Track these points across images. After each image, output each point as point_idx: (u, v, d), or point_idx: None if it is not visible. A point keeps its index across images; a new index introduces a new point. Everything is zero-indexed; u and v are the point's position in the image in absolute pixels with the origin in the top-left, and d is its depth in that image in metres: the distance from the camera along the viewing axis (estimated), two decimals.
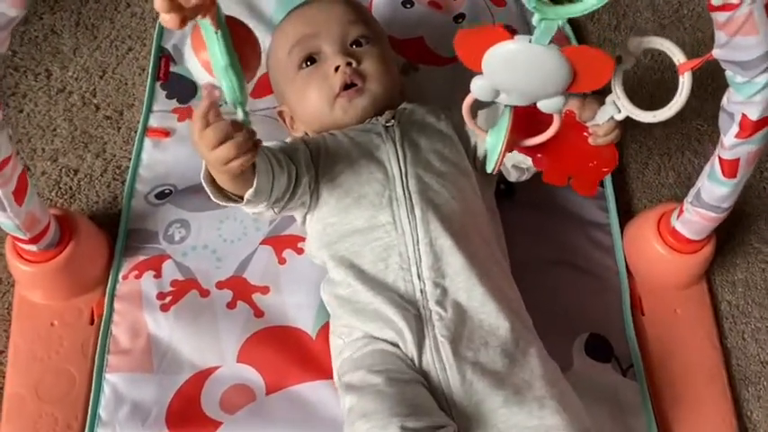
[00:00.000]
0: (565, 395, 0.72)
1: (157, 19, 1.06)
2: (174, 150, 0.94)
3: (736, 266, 0.94)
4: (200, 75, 0.61)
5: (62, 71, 1.02)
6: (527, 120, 0.71)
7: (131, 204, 0.91)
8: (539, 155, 0.75)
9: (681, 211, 0.82)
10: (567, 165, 0.74)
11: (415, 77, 1.03)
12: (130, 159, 0.94)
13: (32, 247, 0.77)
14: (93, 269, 0.85)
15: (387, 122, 0.82)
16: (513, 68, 0.61)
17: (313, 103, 0.83)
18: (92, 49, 1.04)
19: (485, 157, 0.81)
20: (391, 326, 0.71)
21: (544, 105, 0.66)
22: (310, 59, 0.83)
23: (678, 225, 0.83)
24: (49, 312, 0.83)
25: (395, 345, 0.72)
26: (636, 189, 1.00)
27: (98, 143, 0.97)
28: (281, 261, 0.87)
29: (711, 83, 1.09)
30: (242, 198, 0.69)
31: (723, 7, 0.57)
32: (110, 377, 0.79)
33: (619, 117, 0.67)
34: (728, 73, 0.64)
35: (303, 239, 0.86)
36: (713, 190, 0.75)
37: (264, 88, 0.96)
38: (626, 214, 0.97)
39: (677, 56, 0.63)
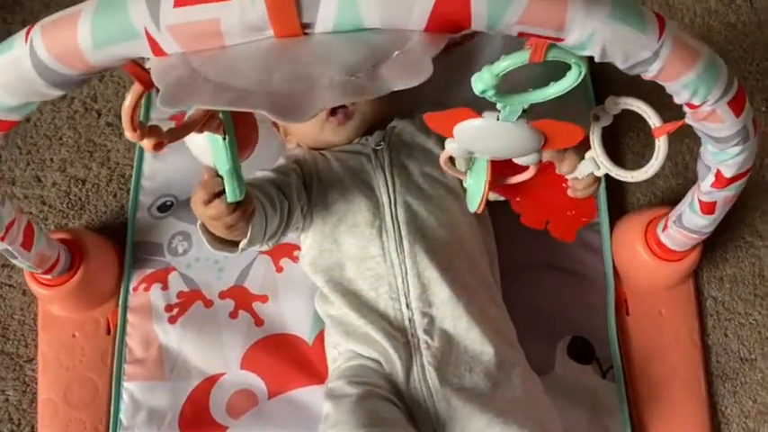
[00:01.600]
0: (543, 414, 0.77)
1: None
2: (173, 160, 0.98)
3: (725, 261, 0.96)
4: (200, 155, 0.63)
5: None
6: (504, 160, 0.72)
7: (136, 216, 0.96)
8: (517, 198, 0.77)
9: (665, 226, 0.83)
10: (544, 211, 0.76)
11: None
12: (133, 167, 0.99)
13: (47, 276, 0.84)
14: (105, 283, 0.92)
15: (376, 145, 0.83)
16: (483, 139, 0.63)
17: (301, 123, 0.84)
18: None
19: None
20: (380, 351, 0.77)
21: (520, 160, 0.68)
22: None
23: (663, 237, 0.85)
24: (70, 324, 0.91)
25: (379, 363, 0.77)
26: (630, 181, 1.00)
27: (102, 151, 1.01)
28: (279, 269, 0.93)
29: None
30: (237, 245, 0.73)
31: (687, 104, 0.56)
32: (127, 385, 0.88)
33: (598, 173, 0.68)
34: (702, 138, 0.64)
35: (298, 248, 0.91)
36: (693, 219, 0.76)
37: None
38: (619, 209, 0.98)
39: (652, 119, 0.63)
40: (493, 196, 0.80)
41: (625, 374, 0.89)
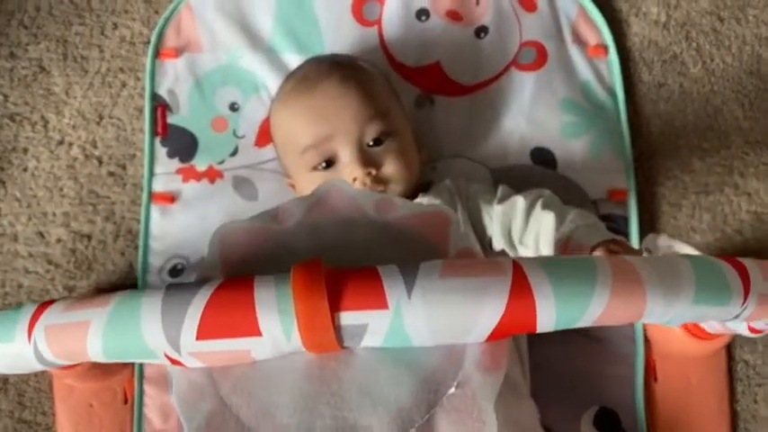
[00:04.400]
0: None
1: (148, 44, 1.00)
2: (181, 218, 0.95)
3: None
4: None
5: (58, 118, 1.00)
6: None
7: (147, 281, 0.94)
8: None
9: None
10: None
11: (431, 111, 0.97)
12: (139, 222, 0.96)
13: None
14: None
15: None
16: None
17: None
18: (84, 87, 1.00)
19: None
20: None
21: None
22: (326, 162, 0.81)
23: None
24: (87, 394, 0.91)
25: None
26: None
27: (106, 204, 0.97)
28: None
29: None
30: None
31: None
32: None
33: None
34: None
35: None
36: (737, 328, 0.73)
37: (269, 136, 0.93)
38: None
39: None
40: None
41: None
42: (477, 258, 0.42)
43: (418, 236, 0.42)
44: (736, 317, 0.45)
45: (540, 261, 0.40)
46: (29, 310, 0.43)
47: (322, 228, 0.41)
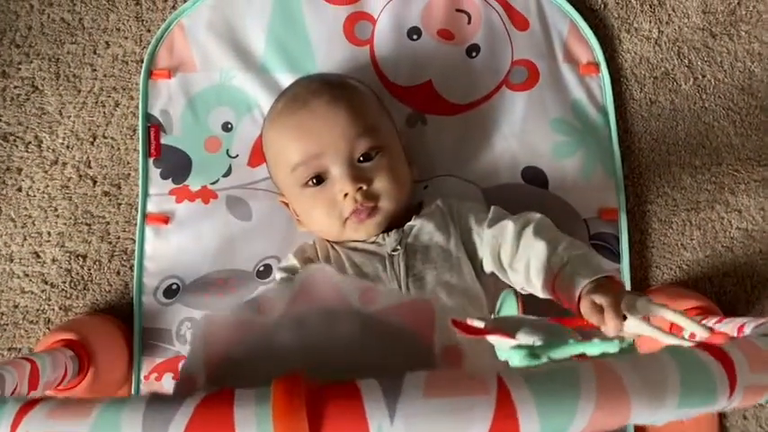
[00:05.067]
0: None
1: (141, 62, 1.00)
2: (175, 239, 0.96)
3: None
4: None
5: (52, 138, 1.00)
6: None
7: (142, 301, 0.95)
8: None
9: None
10: None
11: (423, 130, 0.98)
12: (134, 242, 0.97)
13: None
14: (116, 373, 0.93)
15: (392, 250, 0.82)
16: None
17: (320, 222, 0.84)
18: (77, 107, 1.01)
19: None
20: None
21: None
22: (316, 178, 0.82)
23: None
24: None
25: None
26: (655, 254, 0.97)
27: (101, 224, 0.98)
28: None
29: (759, 113, 1.01)
30: None
31: None
32: None
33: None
34: None
35: None
36: None
37: (262, 155, 0.94)
38: (641, 284, 0.96)
39: (693, 330, 0.60)
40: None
41: None
42: (462, 372, 0.41)
43: (403, 329, 0.42)
44: (723, 408, 0.46)
45: (525, 375, 0.39)
46: (10, 413, 0.42)
47: (305, 320, 0.40)
